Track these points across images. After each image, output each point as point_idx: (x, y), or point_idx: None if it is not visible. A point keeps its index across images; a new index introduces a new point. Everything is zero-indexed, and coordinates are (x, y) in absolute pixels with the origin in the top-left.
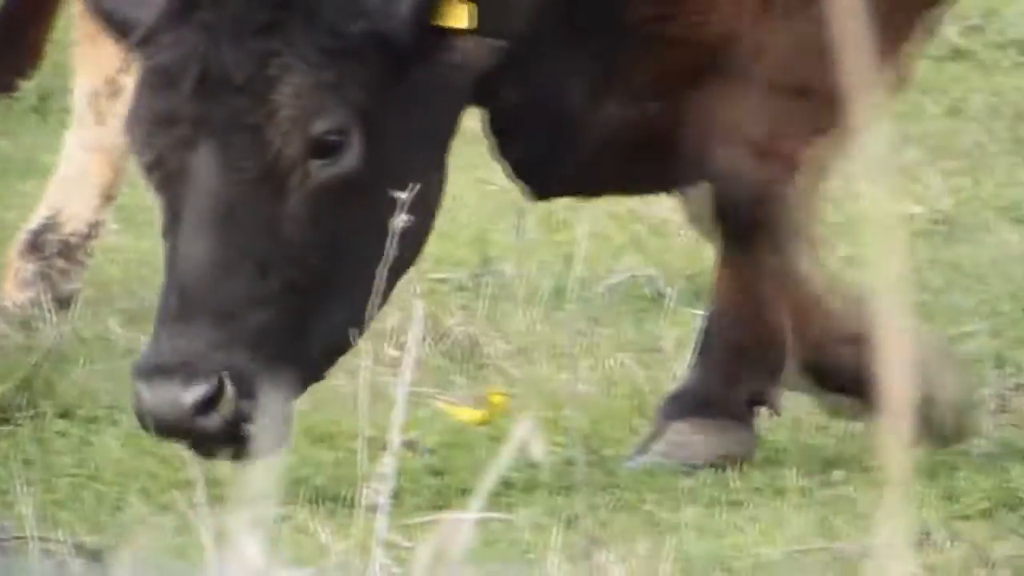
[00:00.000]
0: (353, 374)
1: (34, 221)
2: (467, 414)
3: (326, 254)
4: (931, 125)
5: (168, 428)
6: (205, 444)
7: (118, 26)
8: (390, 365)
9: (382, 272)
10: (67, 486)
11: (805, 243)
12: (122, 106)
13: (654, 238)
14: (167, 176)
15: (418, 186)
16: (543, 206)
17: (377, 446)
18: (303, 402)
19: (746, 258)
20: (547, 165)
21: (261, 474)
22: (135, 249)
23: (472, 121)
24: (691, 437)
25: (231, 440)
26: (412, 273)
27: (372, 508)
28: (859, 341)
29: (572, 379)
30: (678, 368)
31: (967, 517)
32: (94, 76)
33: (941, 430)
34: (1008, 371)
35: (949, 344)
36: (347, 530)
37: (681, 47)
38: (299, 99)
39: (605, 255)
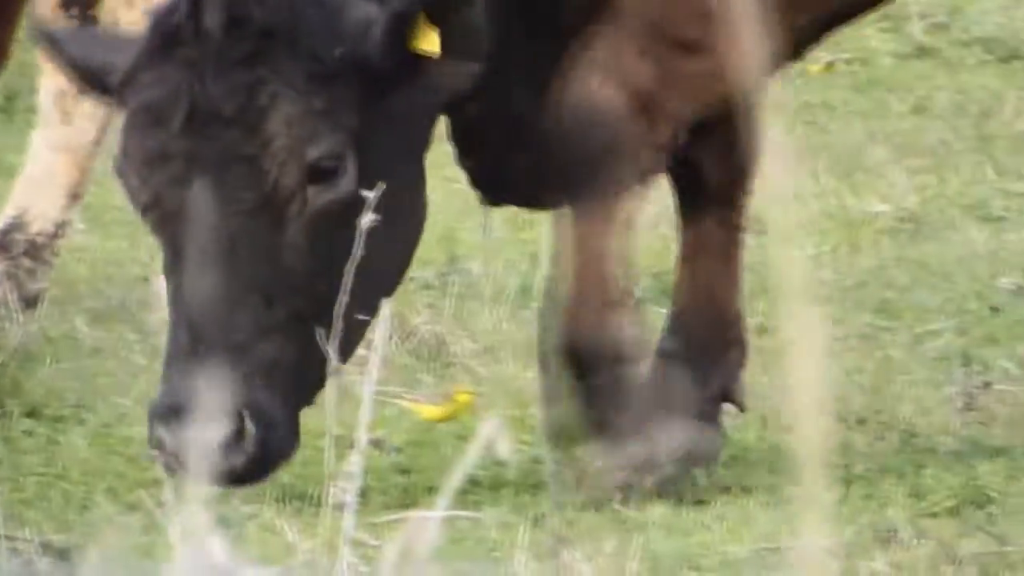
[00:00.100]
0: None
1: (0, 221)
2: (431, 412)
3: (329, 278)
4: (896, 123)
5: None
6: (229, 480)
7: (86, 74)
8: (357, 364)
9: (350, 270)
10: (34, 485)
11: (624, 218)
12: (88, 105)
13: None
14: (165, 215)
15: (385, 185)
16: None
17: (344, 445)
18: None
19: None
20: (500, 173)
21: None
22: (102, 248)
23: (438, 121)
24: (658, 435)
25: (255, 472)
26: None
27: (339, 506)
28: (623, 357)
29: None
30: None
31: (934, 515)
32: (60, 76)
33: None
34: (975, 369)
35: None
36: (314, 529)
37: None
38: (292, 127)
39: None
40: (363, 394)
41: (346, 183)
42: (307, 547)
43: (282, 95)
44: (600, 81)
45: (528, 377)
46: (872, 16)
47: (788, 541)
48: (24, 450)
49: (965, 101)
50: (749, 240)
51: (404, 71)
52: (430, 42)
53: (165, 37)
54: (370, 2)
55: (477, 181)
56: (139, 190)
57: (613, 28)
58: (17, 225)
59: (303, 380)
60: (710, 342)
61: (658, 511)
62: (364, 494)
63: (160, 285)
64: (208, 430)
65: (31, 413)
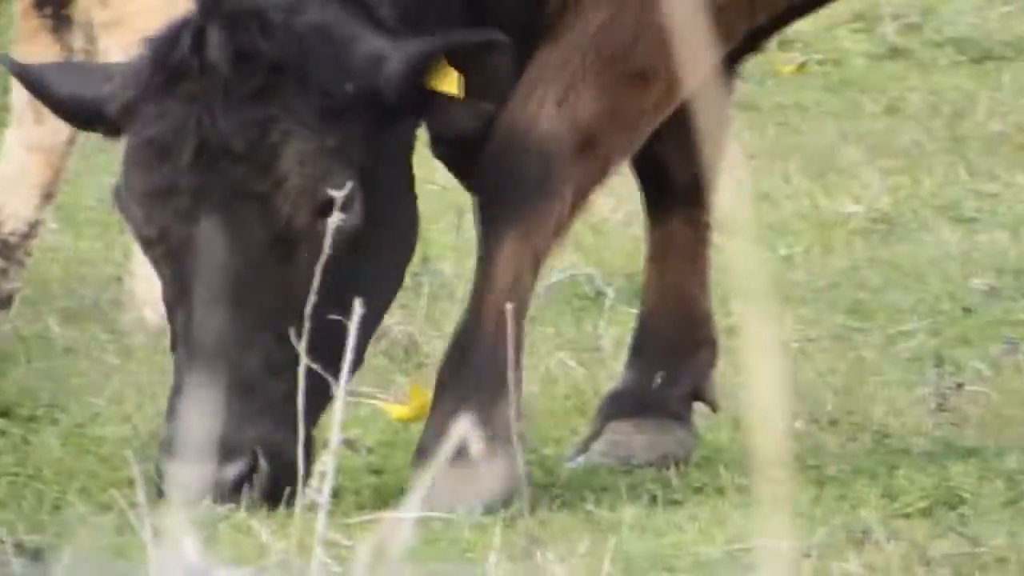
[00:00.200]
0: None
1: None
2: (399, 411)
3: (338, 311)
4: (869, 124)
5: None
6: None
7: (75, 108)
8: None
9: (318, 270)
10: (7, 485)
11: (543, 252)
12: None
13: (593, 237)
14: (171, 249)
15: (351, 184)
16: None
17: (317, 445)
18: None
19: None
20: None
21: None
22: (74, 248)
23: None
24: (631, 436)
25: (269, 503)
26: None
27: (312, 507)
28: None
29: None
30: (617, 367)
31: (907, 516)
32: None
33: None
34: (947, 370)
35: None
36: (287, 529)
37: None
38: (305, 166)
39: None
40: (335, 394)
41: (353, 216)
42: (280, 548)
43: (294, 133)
44: (546, 112)
45: None
46: (845, 16)
47: (760, 541)
48: None
49: (938, 102)
50: (723, 242)
51: (416, 106)
52: (451, 84)
53: (168, 70)
54: (379, 37)
55: (455, 166)
56: (144, 224)
57: (564, 53)
58: None
59: (312, 408)
60: (680, 342)
61: (631, 512)
62: (337, 494)
63: (133, 285)
64: (222, 469)
65: (4, 413)
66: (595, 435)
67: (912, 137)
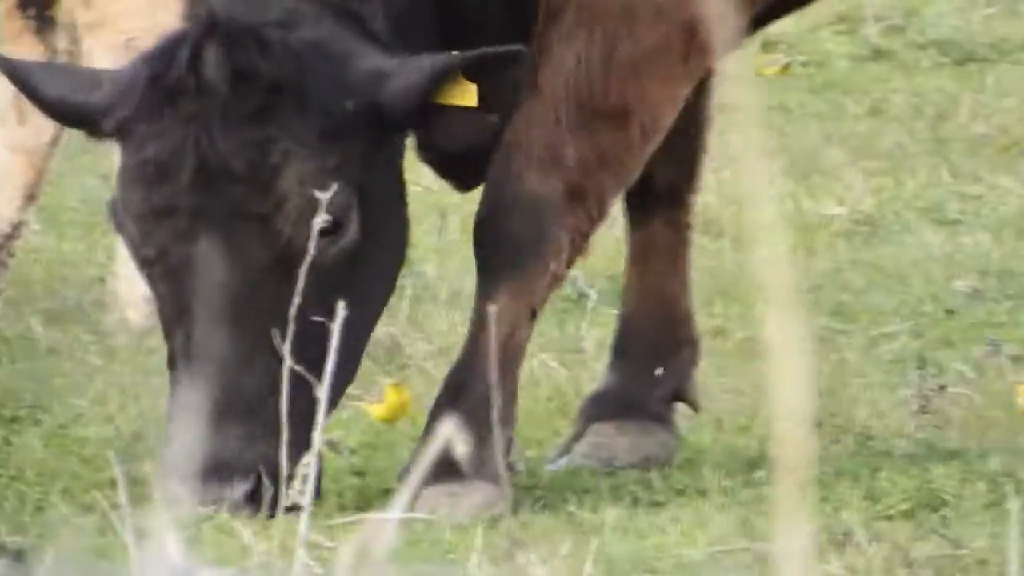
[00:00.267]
0: None
1: None
2: (377, 411)
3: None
4: (852, 125)
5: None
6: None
7: (62, 110)
8: None
9: (303, 271)
10: None
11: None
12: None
13: None
14: (169, 269)
15: (336, 186)
16: (465, 207)
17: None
18: None
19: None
20: (469, 158)
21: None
22: (57, 249)
23: None
24: (613, 438)
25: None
26: None
27: (294, 508)
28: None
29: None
30: (600, 369)
31: (889, 518)
32: None
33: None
34: (930, 372)
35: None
36: (269, 530)
37: None
38: (305, 186)
39: None
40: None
41: (351, 233)
42: (263, 549)
43: (294, 153)
44: (531, 170)
45: None
46: (828, 18)
47: (743, 543)
48: None
49: (921, 103)
50: (706, 244)
51: (420, 121)
52: (469, 97)
53: (165, 88)
54: (377, 52)
55: (443, 170)
56: (141, 244)
57: (539, 108)
58: None
59: (310, 418)
60: (661, 342)
61: (613, 513)
62: (319, 496)
63: (115, 285)
64: (226, 490)
65: None
66: (577, 437)
67: (895, 139)
